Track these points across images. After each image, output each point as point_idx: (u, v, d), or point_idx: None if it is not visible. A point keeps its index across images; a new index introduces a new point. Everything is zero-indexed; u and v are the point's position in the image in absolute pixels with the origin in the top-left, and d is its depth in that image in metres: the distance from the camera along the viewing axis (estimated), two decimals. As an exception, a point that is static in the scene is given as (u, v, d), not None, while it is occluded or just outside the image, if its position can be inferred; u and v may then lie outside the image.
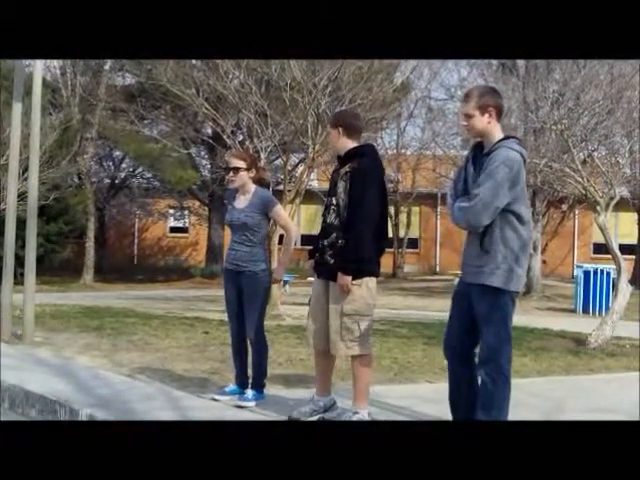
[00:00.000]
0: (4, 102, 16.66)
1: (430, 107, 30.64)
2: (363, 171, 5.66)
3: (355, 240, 5.58)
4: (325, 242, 5.77)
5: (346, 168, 5.73)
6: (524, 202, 4.96)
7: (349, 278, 5.59)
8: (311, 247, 6.03)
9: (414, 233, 36.00)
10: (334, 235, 5.71)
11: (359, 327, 5.65)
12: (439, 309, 14.98)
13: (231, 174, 6.69)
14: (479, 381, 4.96)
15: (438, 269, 36.65)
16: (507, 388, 4.92)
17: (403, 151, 33.33)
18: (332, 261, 5.70)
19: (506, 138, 4.97)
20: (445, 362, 5.31)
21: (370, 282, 5.72)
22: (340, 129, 5.80)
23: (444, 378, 5.47)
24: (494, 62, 21.65)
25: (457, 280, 5.34)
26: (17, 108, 10.41)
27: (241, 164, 6.65)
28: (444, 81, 28.82)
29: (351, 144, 5.81)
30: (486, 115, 4.91)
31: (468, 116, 4.95)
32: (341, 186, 5.71)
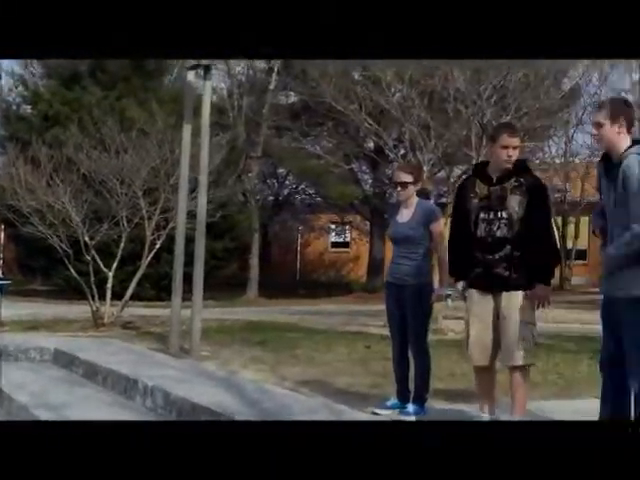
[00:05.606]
0: (173, 125, 17.23)
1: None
2: (543, 187, 5.87)
3: (550, 252, 5.75)
4: (496, 256, 5.68)
5: (514, 182, 5.67)
6: None
7: (550, 289, 5.70)
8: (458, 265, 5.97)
9: (583, 244, 34.88)
10: (508, 248, 5.66)
11: (533, 337, 5.72)
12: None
13: (399, 189, 6.63)
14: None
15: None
16: None
17: (571, 159, 32.44)
18: (507, 273, 5.65)
19: (633, 144, 4.84)
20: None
21: None
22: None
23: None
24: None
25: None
26: (187, 129, 10.77)
27: (409, 178, 6.58)
28: (615, 85, 27.92)
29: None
30: (616, 125, 4.84)
31: (599, 125, 4.90)
32: (514, 199, 5.64)
